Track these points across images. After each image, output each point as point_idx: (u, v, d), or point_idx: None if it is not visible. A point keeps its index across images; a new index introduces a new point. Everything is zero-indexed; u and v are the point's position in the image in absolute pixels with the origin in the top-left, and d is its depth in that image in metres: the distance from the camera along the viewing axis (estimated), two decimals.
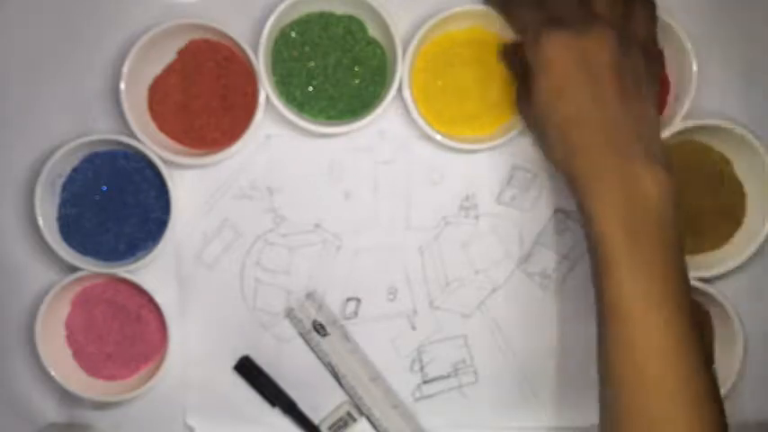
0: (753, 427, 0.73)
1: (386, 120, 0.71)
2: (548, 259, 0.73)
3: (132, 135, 0.68)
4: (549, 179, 0.72)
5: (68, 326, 0.72)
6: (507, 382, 0.74)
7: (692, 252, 0.72)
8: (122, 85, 0.67)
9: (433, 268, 0.73)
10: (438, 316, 0.73)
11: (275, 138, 0.71)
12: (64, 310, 0.72)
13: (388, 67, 0.70)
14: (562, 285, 0.73)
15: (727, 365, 0.71)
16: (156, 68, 0.70)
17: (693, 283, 0.70)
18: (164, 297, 0.70)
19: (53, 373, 0.69)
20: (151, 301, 0.70)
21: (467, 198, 0.73)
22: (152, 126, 0.70)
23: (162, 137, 0.71)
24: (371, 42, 0.70)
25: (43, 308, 0.69)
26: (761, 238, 0.70)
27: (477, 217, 0.73)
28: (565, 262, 0.73)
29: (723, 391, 0.70)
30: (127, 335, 0.72)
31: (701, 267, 0.70)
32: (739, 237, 0.72)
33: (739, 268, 0.70)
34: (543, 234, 0.73)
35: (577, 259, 0.73)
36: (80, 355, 0.72)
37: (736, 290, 0.72)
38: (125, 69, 0.67)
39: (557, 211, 0.73)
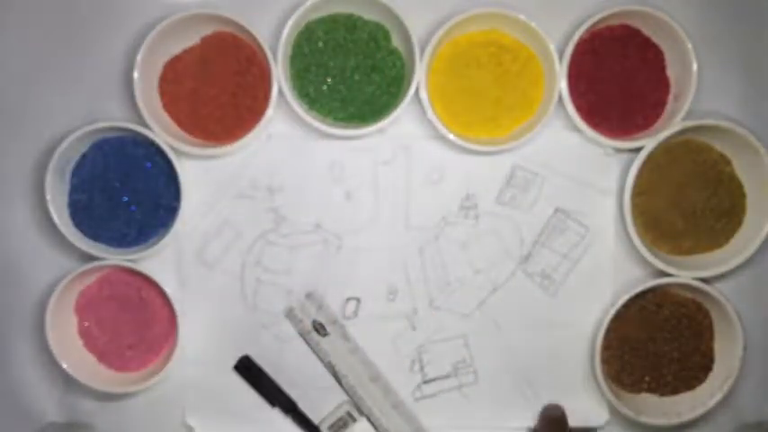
0: (753, 426, 0.73)
1: (400, 127, 0.71)
2: (548, 259, 0.73)
3: (140, 117, 0.68)
4: (549, 178, 0.72)
5: (82, 334, 0.72)
6: (507, 383, 0.74)
7: (692, 252, 0.72)
8: (139, 57, 0.68)
9: (433, 268, 0.73)
10: (438, 316, 0.73)
11: (276, 138, 0.72)
12: (70, 318, 0.72)
13: (405, 78, 0.71)
14: (562, 285, 0.73)
15: (728, 365, 0.71)
16: (177, 49, 0.71)
17: (693, 283, 0.70)
18: (174, 288, 0.71)
19: (65, 366, 0.69)
20: (151, 286, 0.70)
21: (467, 198, 0.73)
22: (159, 106, 0.71)
23: (166, 118, 0.71)
24: (393, 52, 0.71)
25: (49, 309, 0.69)
26: (761, 238, 0.70)
27: (477, 217, 0.73)
28: (565, 262, 0.73)
29: (723, 391, 0.71)
30: (139, 322, 0.72)
31: (701, 267, 0.71)
32: (739, 237, 0.72)
33: (739, 268, 0.71)
34: (543, 234, 0.73)
35: (578, 259, 0.73)
36: (95, 347, 0.72)
37: (736, 290, 0.72)
38: (147, 41, 0.68)
39: (557, 210, 0.73)
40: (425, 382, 0.73)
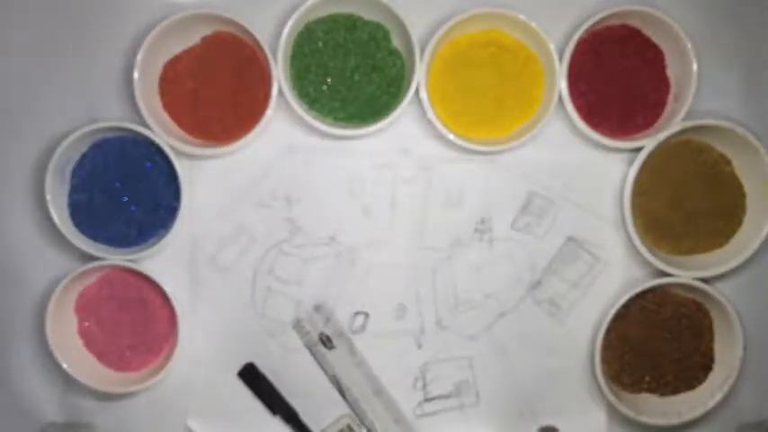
0: (753, 426, 0.73)
1: (400, 128, 0.72)
2: (557, 287, 0.73)
3: (140, 117, 0.68)
4: (564, 207, 0.72)
5: (82, 334, 0.72)
6: (509, 406, 0.73)
7: (692, 252, 0.72)
8: (139, 57, 0.68)
9: (443, 288, 0.73)
10: (445, 336, 0.73)
11: (297, 148, 0.72)
12: (71, 318, 0.72)
13: (405, 78, 0.71)
14: (570, 314, 0.73)
15: (728, 365, 0.71)
16: (177, 49, 0.71)
17: (693, 283, 0.70)
18: (174, 289, 0.70)
19: (65, 366, 0.69)
20: (151, 286, 0.70)
21: (482, 221, 0.73)
22: (159, 106, 0.71)
23: (166, 118, 0.71)
24: (393, 52, 0.71)
25: (49, 310, 0.69)
26: (761, 238, 0.70)
27: (490, 241, 0.73)
28: (574, 291, 0.73)
29: (723, 391, 0.71)
30: (139, 322, 0.72)
31: (701, 267, 0.70)
32: (739, 237, 0.72)
33: (739, 268, 0.71)
34: (554, 262, 0.73)
35: (587, 288, 0.73)
36: (95, 347, 0.72)
37: (736, 290, 0.72)
38: (147, 41, 0.68)
39: (569, 239, 0.73)
40: (427, 399, 0.73)
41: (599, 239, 0.73)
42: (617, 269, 0.73)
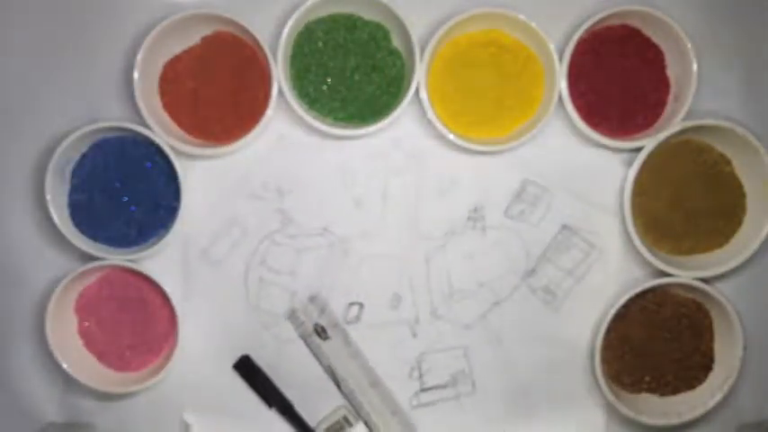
0: (753, 426, 0.73)
1: (399, 128, 0.72)
2: (552, 275, 0.73)
3: (140, 117, 0.68)
4: (559, 195, 0.72)
5: (82, 334, 0.72)
6: (505, 395, 0.74)
7: (692, 252, 0.72)
8: (139, 57, 0.68)
9: (437, 278, 0.73)
10: (440, 325, 0.73)
11: (288, 139, 0.72)
12: (71, 318, 0.72)
13: (405, 78, 0.71)
14: (565, 301, 0.73)
15: (728, 365, 0.71)
16: (177, 49, 0.71)
17: (693, 283, 0.70)
18: (173, 288, 0.70)
19: (65, 366, 0.69)
20: (151, 286, 0.70)
21: (475, 210, 0.73)
22: (159, 106, 0.71)
23: (166, 118, 0.71)
24: (393, 52, 0.71)
25: (49, 310, 0.69)
26: (761, 238, 0.70)
27: (484, 229, 0.73)
28: (569, 278, 0.73)
29: (723, 391, 0.71)
30: (139, 322, 0.72)
31: (701, 267, 0.71)
32: (739, 237, 0.72)
33: (739, 268, 0.71)
34: (549, 250, 0.73)
35: (581, 276, 0.73)
36: (95, 347, 0.72)
37: (736, 290, 0.72)
38: (147, 41, 0.68)
39: (563, 227, 0.73)
40: (423, 390, 0.73)
41: (594, 227, 0.73)
42: (612, 257, 0.73)
